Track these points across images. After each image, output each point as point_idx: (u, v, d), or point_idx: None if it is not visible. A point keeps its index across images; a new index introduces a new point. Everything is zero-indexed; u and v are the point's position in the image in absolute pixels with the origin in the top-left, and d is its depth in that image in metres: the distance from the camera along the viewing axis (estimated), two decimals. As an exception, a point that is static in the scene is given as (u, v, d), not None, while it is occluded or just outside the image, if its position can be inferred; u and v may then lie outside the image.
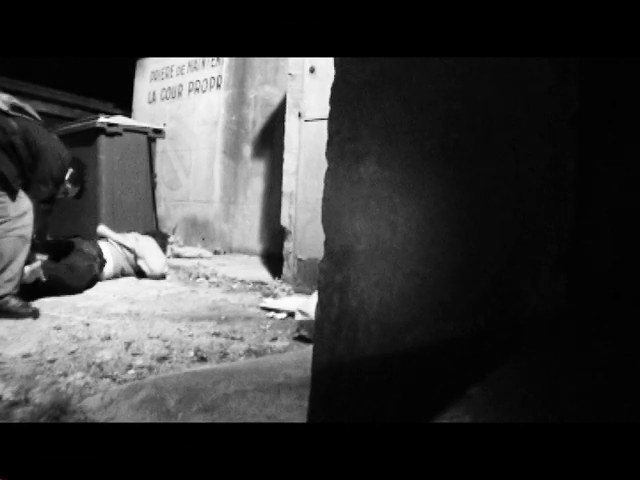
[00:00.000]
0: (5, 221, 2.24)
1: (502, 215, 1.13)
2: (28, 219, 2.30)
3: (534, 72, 1.15)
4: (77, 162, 2.84)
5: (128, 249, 3.31)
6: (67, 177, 2.75)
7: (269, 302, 2.62)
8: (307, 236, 3.10)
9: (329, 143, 0.83)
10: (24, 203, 2.31)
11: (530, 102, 1.17)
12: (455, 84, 0.97)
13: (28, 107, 2.56)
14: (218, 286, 3.22)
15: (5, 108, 2.41)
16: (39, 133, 2.49)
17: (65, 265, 2.77)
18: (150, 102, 5.44)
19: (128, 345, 1.74)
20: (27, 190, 2.38)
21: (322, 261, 0.82)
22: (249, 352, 1.74)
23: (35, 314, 2.19)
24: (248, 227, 4.57)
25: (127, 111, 5.55)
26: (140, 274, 3.34)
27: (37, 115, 2.60)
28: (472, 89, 1.01)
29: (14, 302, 2.19)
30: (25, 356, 1.56)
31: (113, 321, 2.12)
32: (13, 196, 2.27)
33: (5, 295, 2.18)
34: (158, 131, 4.35)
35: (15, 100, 2.49)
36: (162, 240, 3.67)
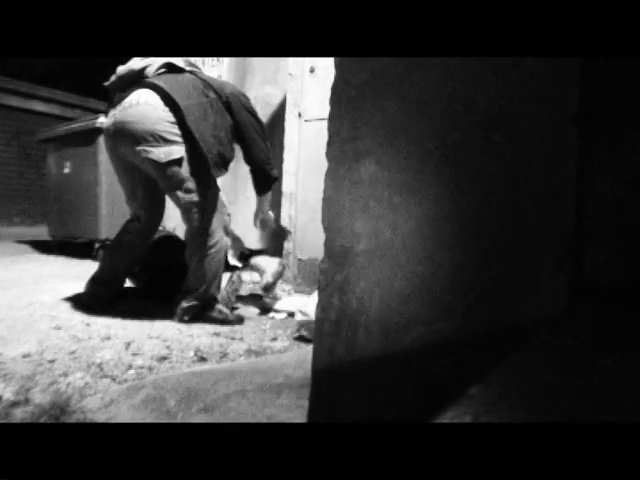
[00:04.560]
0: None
1: (502, 215, 1.13)
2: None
3: (534, 72, 1.15)
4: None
5: None
6: None
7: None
8: (307, 236, 3.10)
9: (329, 143, 0.83)
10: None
11: (530, 102, 1.17)
12: (455, 84, 0.97)
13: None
14: (218, 286, 3.22)
15: (182, 65, 2.13)
16: (216, 79, 2.20)
17: None
18: (150, 102, 5.42)
19: (128, 345, 1.74)
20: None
21: (322, 261, 0.82)
22: (249, 352, 1.74)
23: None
24: (248, 227, 4.56)
25: (127, 111, 5.53)
26: None
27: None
28: (472, 89, 1.01)
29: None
30: (25, 356, 1.56)
31: (113, 321, 2.12)
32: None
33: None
34: (158, 131, 4.35)
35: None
36: None
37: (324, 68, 2.99)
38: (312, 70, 3.09)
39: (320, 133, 2.72)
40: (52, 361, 1.52)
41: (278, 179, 2.31)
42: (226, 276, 2.36)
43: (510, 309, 1.17)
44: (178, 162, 1.98)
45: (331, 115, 0.84)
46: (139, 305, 2.51)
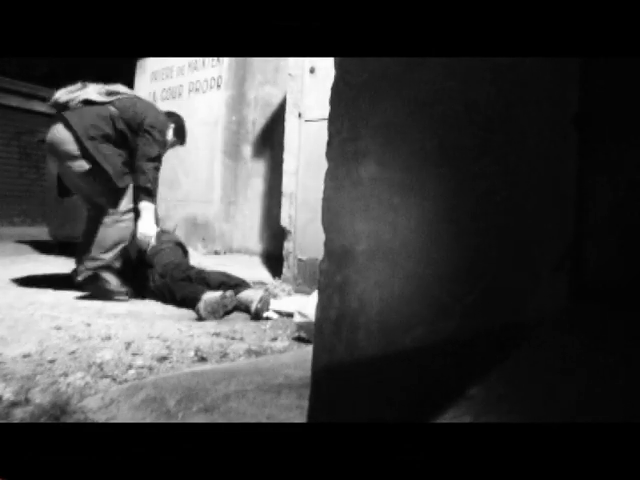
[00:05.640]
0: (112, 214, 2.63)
1: (502, 215, 1.13)
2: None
3: (534, 72, 1.15)
4: (175, 116, 3.00)
5: None
6: (170, 132, 2.94)
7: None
8: (307, 236, 3.10)
9: (329, 143, 0.83)
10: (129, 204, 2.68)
11: (530, 102, 1.17)
12: (455, 84, 0.97)
13: (120, 86, 2.80)
14: (218, 286, 3.21)
15: (100, 99, 2.66)
16: (136, 105, 2.71)
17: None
18: (150, 102, 5.43)
19: (128, 345, 1.74)
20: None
21: (322, 261, 0.82)
22: (249, 352, 1.74)
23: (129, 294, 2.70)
24: (248, 227, 4.57)
25: (127, 111, 5.53)
26: None
27: (129, 90, 2.84)
28: (472, 89, 1.01)
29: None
30: (25, 356, 1.56)
31: (113, 321, 2.12)
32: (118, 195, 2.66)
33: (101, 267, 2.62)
34: (158, 131, 4.35)
35: (107, 87, 2.73)
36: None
37: (324, 68, 2.99)
38: (312, 70, 3.09)
39: (320, 133, 2.72)
40: (52, 361, 1.52)
41: (152, 196, 2.77)
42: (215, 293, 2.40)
43: (510, 309, 1.17)
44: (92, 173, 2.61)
45: (331, 115, 0.84)
46: (139, 305, 2.51)
